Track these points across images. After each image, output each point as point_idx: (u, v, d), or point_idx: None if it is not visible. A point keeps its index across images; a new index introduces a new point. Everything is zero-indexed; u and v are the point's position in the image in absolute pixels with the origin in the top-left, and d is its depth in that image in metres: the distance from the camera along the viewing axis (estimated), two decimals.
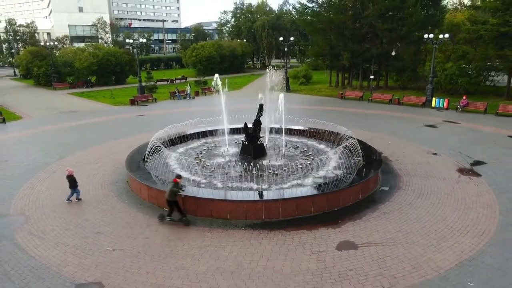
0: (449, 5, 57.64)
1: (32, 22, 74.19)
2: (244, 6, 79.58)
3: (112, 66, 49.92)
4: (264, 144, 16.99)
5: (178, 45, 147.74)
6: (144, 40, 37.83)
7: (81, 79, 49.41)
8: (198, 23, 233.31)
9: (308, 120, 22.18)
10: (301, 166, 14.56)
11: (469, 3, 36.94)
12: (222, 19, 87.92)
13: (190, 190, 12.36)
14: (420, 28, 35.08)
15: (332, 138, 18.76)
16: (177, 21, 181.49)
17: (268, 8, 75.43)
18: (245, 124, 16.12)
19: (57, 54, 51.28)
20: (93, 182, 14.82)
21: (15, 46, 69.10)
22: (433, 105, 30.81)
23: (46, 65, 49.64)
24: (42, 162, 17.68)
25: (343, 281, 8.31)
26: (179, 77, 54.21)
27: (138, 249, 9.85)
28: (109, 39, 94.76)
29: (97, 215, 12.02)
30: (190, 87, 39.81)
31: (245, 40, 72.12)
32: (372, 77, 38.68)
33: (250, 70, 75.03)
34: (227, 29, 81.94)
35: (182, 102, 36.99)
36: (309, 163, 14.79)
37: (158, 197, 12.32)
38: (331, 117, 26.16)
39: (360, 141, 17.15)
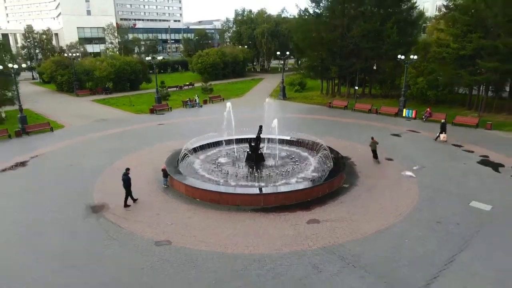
0: (430, 13, 63.41)
1: (48, 29, 79.86)
2: (245, 13, 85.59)
3: (128, 74, 56.09)
4: (263, 153, 23.15)
5: (181, 45, 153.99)
6: (161, 58, 42.89)
7: (100, 86, 55.52)
8: (199, 21, 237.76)
9: (298, 129, 28.41)
10: (289, 170, 20.80)
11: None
12: (224, 26, 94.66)
13: (214, 187, 18.63)
14: (397, 47, 41.13)
15: (313, 147, 24.84)
16: (179, 21, 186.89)
17: (266, 15, 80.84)
18: (249, 140, 22.30)
19: (76, 61, 56.95)
20: (142, 180, 20.91)
21: (34, 52, 74.95)
22: (403, 115, 37.00)
23: (68, 73, 55.73)
24: (100, 165, 23.76)
25: (308, 239, 14.55)
26: (187, 83, 60.20)
27: (186, 223, 16.12)
28: (117, 42, 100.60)
29: (153, 203, 18.25)
30: (198, 97, 45.72)
31: (246, 46, 78.11)
32: (356, 87, 44.79)
33: (251, 74, 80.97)
34: (229, 34, 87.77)
35: (192, 110, 43.04)
36: (293, 168, 21.01)
37: (193, 192, 18.59)
38: (318, 126, 32.67)
39: (334, 150, 23.43)
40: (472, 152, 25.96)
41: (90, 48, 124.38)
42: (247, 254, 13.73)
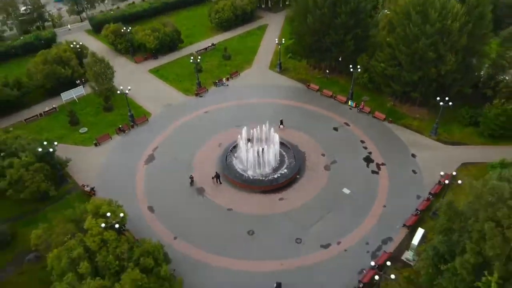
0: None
1: None
2: None
3: (168, 42, 77.51)
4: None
5: None
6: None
7: (149, 53, 77.40)
8: None
9: (284, 120, 54.84)
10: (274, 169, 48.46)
11: None
12: None
13: (242, 180, 46.62)
14: (354, 52, 62.43)
15: (288, 147, 51.29)
16: None
17: None
18: (258, 150, 48.93)
19: (129, 30, 76.89)
20: (211, 171, 48.53)
21: None
22: (349, 104, 61.49)
23: (125, 41, 77.12)
24: (188, 159, 51.24)
25: (278, 208, 43.70)
26: (210, 45, 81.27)
27: (235, 199, 44.92)
28: None
29: (221, 187, 46.71)
30: (226, 78, 69.11)
31: None
32: (327, 71, 67.82)
33: (258, 14, 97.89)
34: None
35: (222, 89, 67.26)
36: (275, 168, 48.54)
37: (234, 182, 46.70)
38: (294, 116, 58.41)
39: (297, 148, 50.37)
40: (366, 148, 52.62)
41: None
42: (256, 214, 42.97)
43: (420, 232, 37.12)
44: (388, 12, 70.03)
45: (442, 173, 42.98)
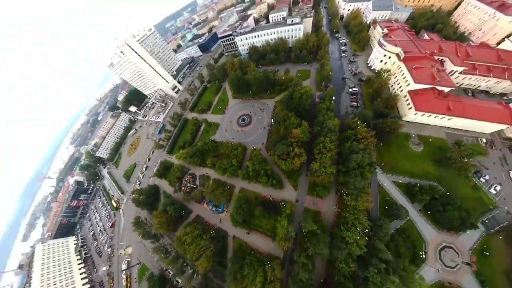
0: None
1: None
2: None
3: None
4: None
5: None
6: None
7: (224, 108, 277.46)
8: None
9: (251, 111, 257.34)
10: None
11: None
12: None
13: (240, 125, 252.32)
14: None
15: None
16: None
17: None
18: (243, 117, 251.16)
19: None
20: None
21: None
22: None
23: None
24: (232, 127, 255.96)
25: (248, 130, 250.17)
26: (225, 108, 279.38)
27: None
28: None
29: (238, 128, 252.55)
30: (226, 108, 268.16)
31: None
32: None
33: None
34: None
35: (227, 110, 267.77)
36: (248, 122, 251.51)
37: (237, 127, 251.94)
38: (251, 108, 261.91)
39: (251, 115, 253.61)
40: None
41: None
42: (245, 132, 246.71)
43: None
44: None
45: None
